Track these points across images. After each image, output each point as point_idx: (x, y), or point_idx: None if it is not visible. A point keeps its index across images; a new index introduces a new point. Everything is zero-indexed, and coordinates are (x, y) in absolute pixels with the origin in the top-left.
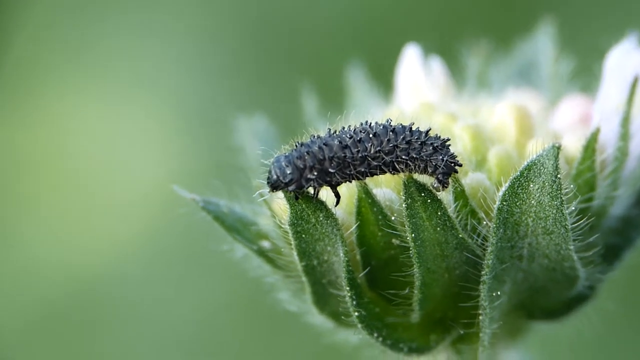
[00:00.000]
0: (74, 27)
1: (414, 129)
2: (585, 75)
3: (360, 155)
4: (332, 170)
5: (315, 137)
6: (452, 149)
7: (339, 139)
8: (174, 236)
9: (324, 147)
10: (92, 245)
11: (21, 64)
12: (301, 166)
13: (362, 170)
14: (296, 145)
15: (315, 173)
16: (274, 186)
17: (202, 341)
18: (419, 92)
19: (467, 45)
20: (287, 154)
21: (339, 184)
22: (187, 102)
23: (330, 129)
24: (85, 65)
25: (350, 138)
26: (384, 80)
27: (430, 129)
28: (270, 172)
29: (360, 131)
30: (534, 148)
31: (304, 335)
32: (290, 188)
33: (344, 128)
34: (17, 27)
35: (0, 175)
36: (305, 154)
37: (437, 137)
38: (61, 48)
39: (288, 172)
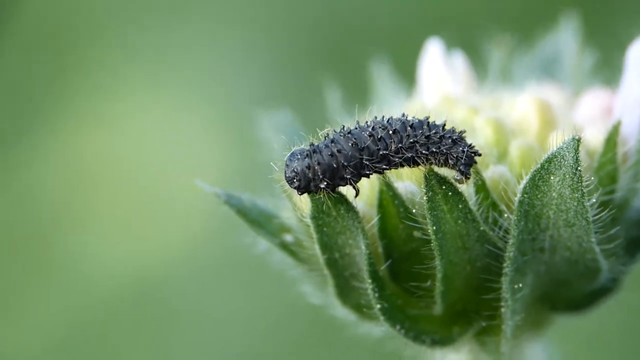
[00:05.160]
0: (124, 34)
1: (431, 122)
2: (608, 69)
3: (381, 153)
4: (347, 176)
5: (330, 140)
6: (469, 140)
7: (354, 140)
8: (232, 238)
9: (337, 154)
10: (148, 249)
11: (77, 68)
12: (310, 176)
13: (382, 167)
14: (310, 147)
15: (326, 182)
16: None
17: (261, 350)
18: (441, 86)
19: (490, 39)
20: (296, 161)
21: (355, 182)
22: (232, 103)
23: (344, 128)
24: (136, 69)
25: (370, 137)
26: (407, 74)
27: (445, 122)
28: (285, 174)
29: (380, 128)
30: (555, 141)
31: (362, 343)
32: (299, 193)
33: (359, 126)
34: (76, 31)
35: (52, 180)
36: (316, 164)
37: (454, 130)
38: (115, 53)
39: (295, 181)
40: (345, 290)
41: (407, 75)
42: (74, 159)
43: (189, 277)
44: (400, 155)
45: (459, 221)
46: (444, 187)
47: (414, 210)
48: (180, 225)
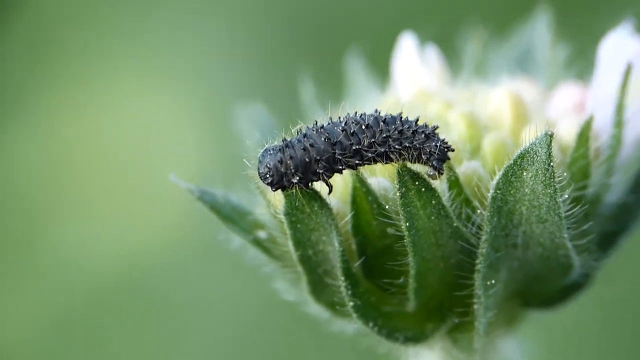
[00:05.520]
0: (108, 25)
1: (404, 118)
2: (582, 60)
3: (353, 148)
4: (320, 171)
5: (302, 135)
6: (442, 136)
7: (327, 135)
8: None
9: (310, 148)
10: (132, 237)
11: (58, 58)
12: (282, 171)
13: (355, 162)
14: (283, 142)
15: (298, 176)
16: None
17: (246, 339)
18: (415, 80)
19: (464, 32)
20: (269, 157)
21: (328, 178)
22: (214, 95)
23: (316, 124)
24: (119, 60)
25: (342, 132)
26: (381, 68)
27: (418, 117)
28: (258, 170)
29: (353, 123)
30: (528, 136)
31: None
32: (273, 189)
33: (332, 121)
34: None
35: (35, 170)
36: (289, 158)
37: (427, 125)
38: (95, 43)
39: (268, 176)
40: (319, 287)
41: (381, 69)
42: (57, 148)
43: (175, 266)
44: (373, 150)
45: (432, 217)
46: (417, 182)
47: (387, 207)
48: (165, 215)
